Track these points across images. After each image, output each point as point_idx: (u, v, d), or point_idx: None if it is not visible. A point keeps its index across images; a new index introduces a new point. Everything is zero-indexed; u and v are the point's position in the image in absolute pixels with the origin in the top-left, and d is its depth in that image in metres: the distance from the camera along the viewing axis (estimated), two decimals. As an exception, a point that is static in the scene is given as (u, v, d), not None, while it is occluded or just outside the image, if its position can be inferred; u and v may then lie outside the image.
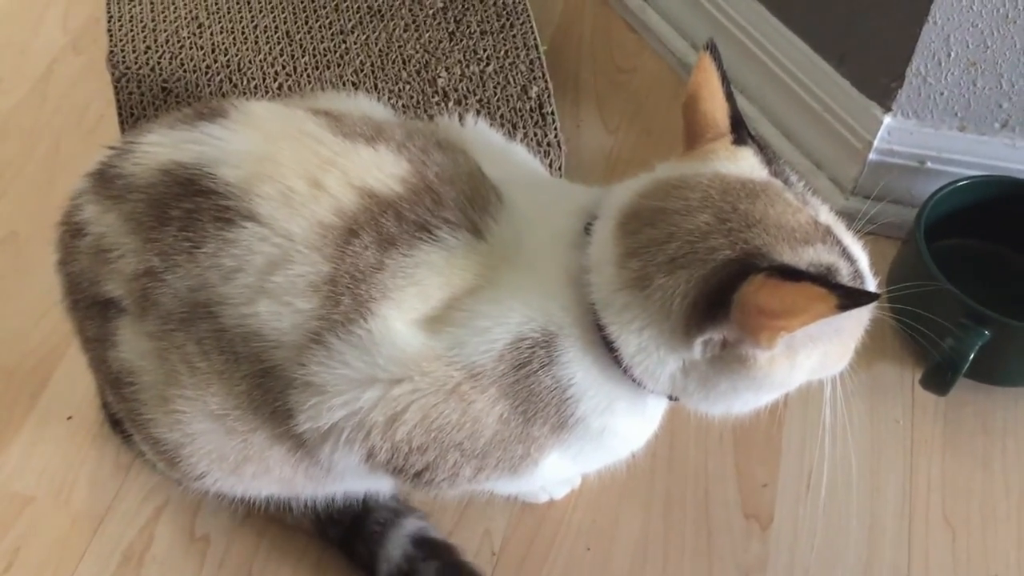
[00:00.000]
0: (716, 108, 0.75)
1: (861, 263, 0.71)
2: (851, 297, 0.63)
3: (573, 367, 0.73)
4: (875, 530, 0.99)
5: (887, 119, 1.15)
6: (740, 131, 0.75)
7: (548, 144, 1.17)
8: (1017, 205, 1.13)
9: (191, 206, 0.75)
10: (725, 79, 0.75)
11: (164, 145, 0.79)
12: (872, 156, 1.17)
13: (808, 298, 0.63)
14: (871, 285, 0.71)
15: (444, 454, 0.74)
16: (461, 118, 0.95)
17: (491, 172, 0.81)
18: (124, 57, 1.14)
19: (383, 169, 0.76)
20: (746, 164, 0.73)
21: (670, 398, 0.77)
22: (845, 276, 0.68)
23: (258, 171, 0.74)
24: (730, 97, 0.75)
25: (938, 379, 1.04)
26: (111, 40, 1.20)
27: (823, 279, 0.66)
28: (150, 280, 0.76)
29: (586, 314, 0.72)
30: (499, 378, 0.72)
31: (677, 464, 1.03)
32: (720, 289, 0.66)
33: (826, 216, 0.72)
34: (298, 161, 0.75)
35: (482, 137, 0.93)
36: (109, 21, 1.21)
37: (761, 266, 0.65)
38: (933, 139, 1.15)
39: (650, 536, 0.98)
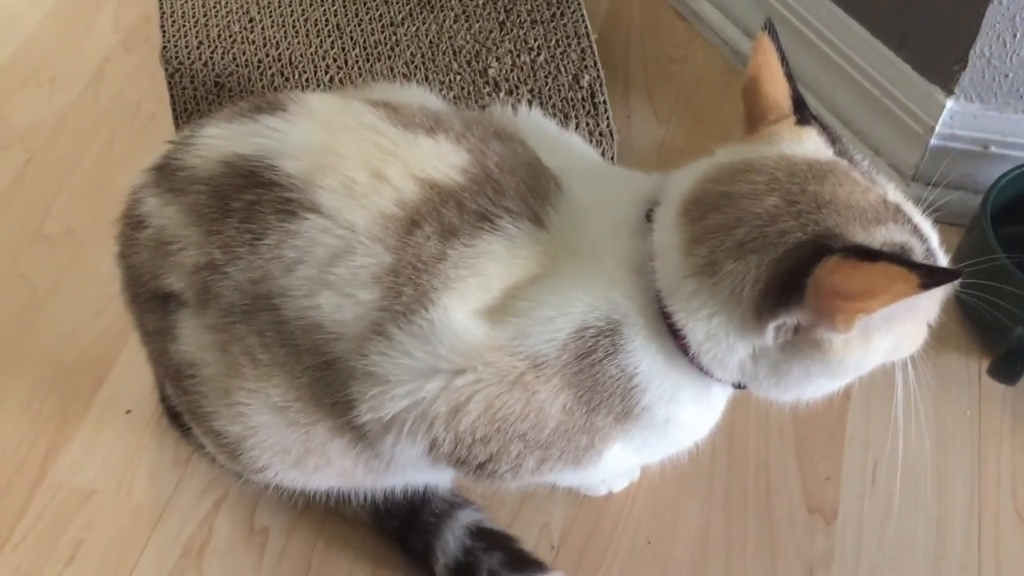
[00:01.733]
0: (778, 89, 0.73)
1: (932, 241, 0.70)
2: (933, 276, 0.62)
3: (638, 356, 0.71)
4: (943, 523, 0.97)
5: (949, 103, 1.12)
6: (803, 111, 0.73)
7: (600, 134, 1.16)
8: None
9: (253, 198, 0.75)
10: (784, 60, 0.74)
11: (224, 138, 0.79)
12: (934, 141, 1.14)
13: (888, 278, 0.61)
14: (944, 263, 0.69)
15: (507, 445, 0.73)
16: (514, 108, 0.94)
17: (548, 161, 0.80)
18: (177, 52, 1.14)
19: (444, 159, 0.75)
20: (811, 144, 0.72)
21: (736, 386, 0.75)
22: (918, 254, 0.67)
23: (320, 163, 0.74)
24: (790, 77, 0.74)
25: (1007, 368, 1.01)
26: (164, 36, 1.20)
27: (901, 258, 0.64)
28: (211, 272, 0.76)
29: (651, 302, 0.71)
30: (562, 368, 0.71)
31: (737, 457, 1.01)
32: (793, 272, 0.64)
33: (894, 194, 0.71)
34: (359, 152, 0.75)
35: (536, 126, 0.92)
36: (162, 17, 1.22)
37: (835, 247, 0.63)
38: (997, 123, 1.12)
39: (711, 529, 0.97)
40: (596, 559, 0.95)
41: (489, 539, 0.91)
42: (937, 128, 1.13)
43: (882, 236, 0.66)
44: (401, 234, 0.72)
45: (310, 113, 0.79)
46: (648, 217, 0.73)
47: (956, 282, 0.69)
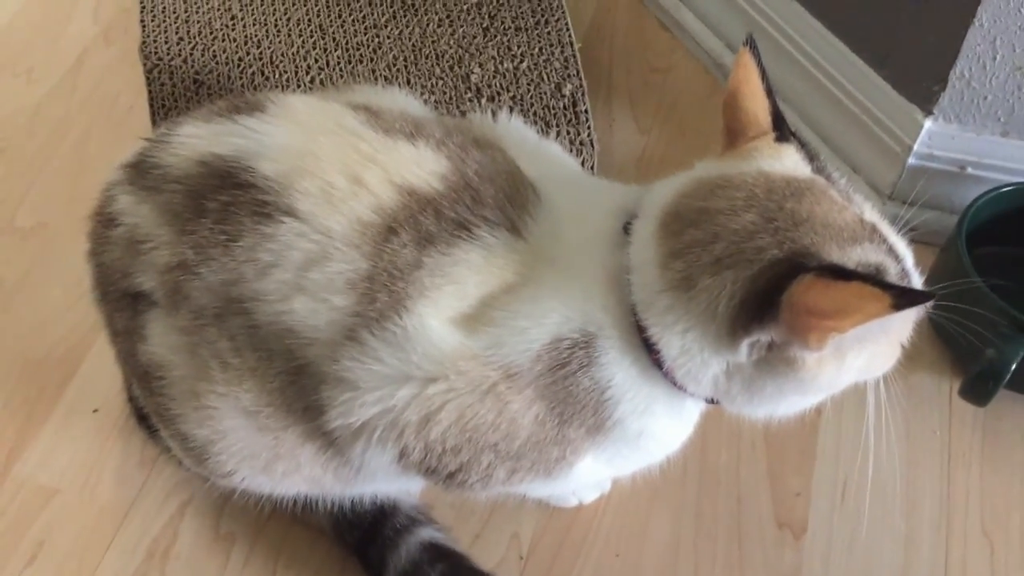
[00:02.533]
0: (757, 105, 0.73)
1: (907, 261, 0.70)
2: (906, 297, 0.62)
3: (612, 368, 0.71)
4: (911, 543, 0.97)
5: (928, 123, 1.12)
6: (782, 128, 0.73)
7: (581, 143, 1.16)
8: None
9: (228, 199, 0.74)
10: (765, 75, 0.74)
11: (202, 137, 0.78)
12: (911, 161, 1.15)
13: (861, 298, 0.62)
14: (918, 284, 0.70)
15: (478, 455, 0.73)
16: (494, 115, 0.93)
17: (527, 170, 0.80)
18: (156, 48, 1.13)
19: (423, 166, 0.75)
20: (790, 161, 0.72)
21: (709, 401, 0.75)
22: (893, 275, 0.67)
23: (298, 166, 0.73)
24: (770, 93, 0.74)
25: (978, 389, 1.01)
26: (144, 30, 1.19)
27: (875, 278, 0.64)
28: (183, 273, 0.75)
29: (626, 315, 0.70)
30: (536, 379, 0.71)
31: (709, 471, 1.01)
32: (768, 290, 0.64)
33: (871, 214, 0.71)
34: (338, 157, 0.74)
35: (517, 134, 0.92)
36: (142, 11, 1.20)
37: (810, 266, 0.63)
38: (975, 144, 1.13)
39: (680, 543, 0.97)
40: (564, 571, 0.95)
41: (439, 554, 0.90)
42: (915, 148, 1.14)
43: (857, 256, 0.66)
44: (378, 241, 0.71)
45: (289, 115, 0.78)
46: (626, 229, 0.73)
47: (930, 303, 0.70)
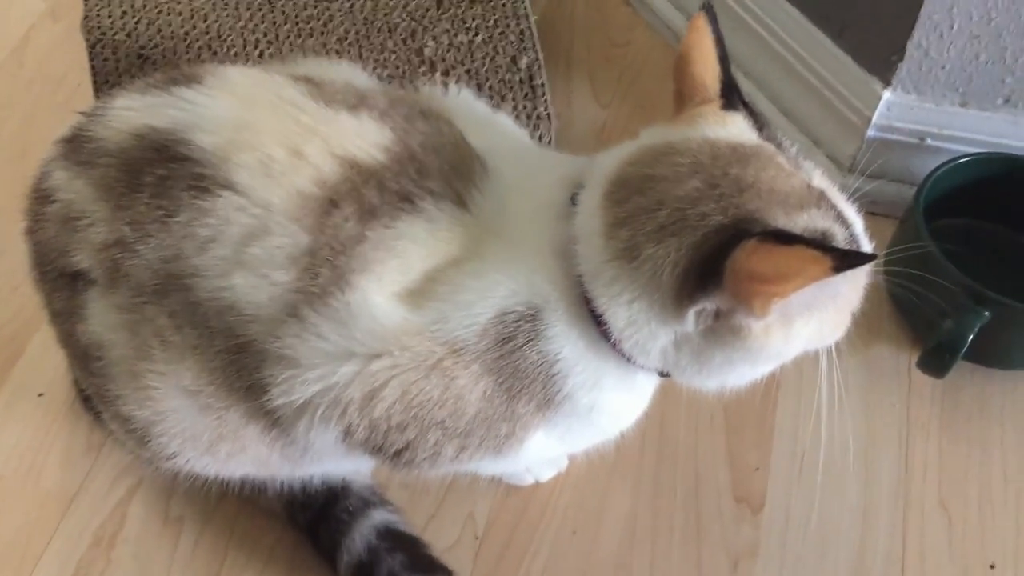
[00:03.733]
0: (707, 71, 0.72)
1: (856, 227, 0.69)
2: (845, 259, 0.61)
3: (560, 342, 0.70)
4: (869, 515, 0.97)
5: (887, 94, 1.11)
6: (731, 96, 0.72)
7: (538, 116, 1.14)
8: (1019, 183, 1.10)
9: (164, 173, 0.72)
10: (720, 42, 0.72)
11: (137, 109, 0.76)
12: (871, 132, 1.14)
13: (802, 261, 0.61)
14: (867, 249, 0.69)
15: (425, 432, 0.71)
16: (445, 87, 0.92)
17: (475, 142, 0.78)
18: (100, 22, 1.10)
19: (366, 138, 0.73)
20: (735, 128, 0.70)
21: (661, 374, 0.74)
22: (840, 240, 0.66)
23: (235, 138, 0.71)
24: (724, 60, 0.72)
25: (936, 361, 1.01)
26: (87, 4, 1.16)
27: (816, 241, 0.64)
28: (121, 250, 0.73)
29: (573, 287, 0.69)
30: (482, 353, 0.69)
31: (667, 446, 1.00)
32: (712, 257, 0.63)
33: (819, 180, 0.70)
34: (277, 129, 0.72)
35: (466, 106, 0.90)
36: (86, -14, 1.17)
37: (754, 231, 0.62)
38: (934, 115, 1.12)
39: (638, 520, 0.96)
40: (521, 549, 0.93)
41: (396, 540, 0.88)
42: (874, 119, 1.13)
43: (804, 222, 0.65)
44: (319, 214, 0.70)
45: (227, 86, 0.76)
46: (573, 200, 0.71)
47: (881, 269, 0.69)
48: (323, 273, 0.69)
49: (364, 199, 0.70)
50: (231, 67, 0.80)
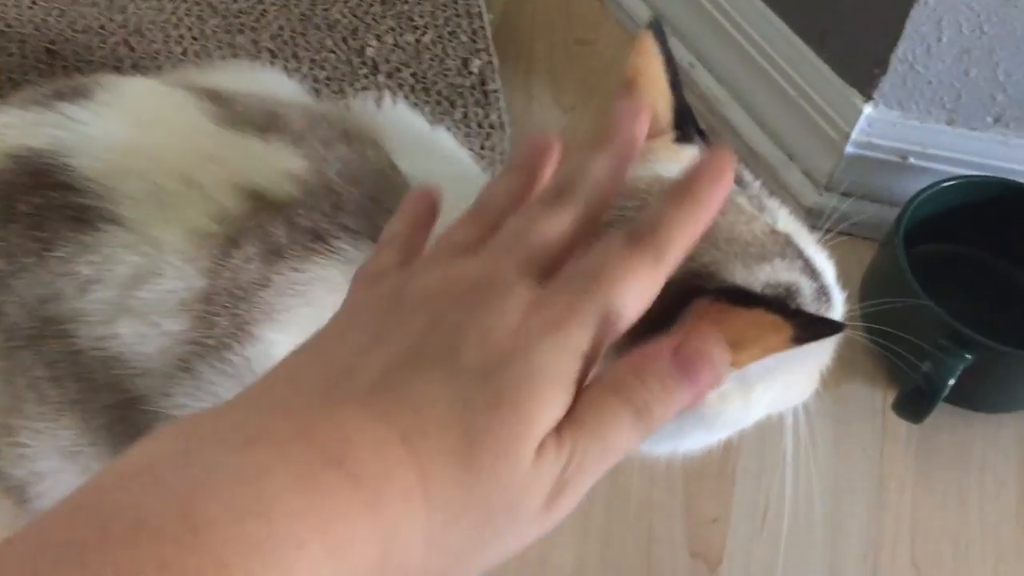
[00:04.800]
0: (657, 100, 0.63)
1: (826, 276, 0.60)
2: (809, 329, 0.52)
3: None
4: (836, 573, 0.89)
5: (867, 109, 1.03)
6: (686, 126, 0.63)
7: (491, 125, 1.05)
8: (1006, 209, 1.02)
9: (41, 201, 0.63)
10: (671, 64, 0.63)
11: (15, 127, 0.67)
12: (849, 149, 1.06)
13: (760, 328, 0.51)
14: (838, 303, 0.60)
15: None
16: (378, 101, 0.83)
17: (407, 167, 0.69)
18: (4, 12, 1.00)
19: (274, 166, 0.64)
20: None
21: None
22: (807, 295, 0.57)
23: (123, 165, 0.63)
24: (675, 86, 0.63)
25: (913, 406, 0.93)
26: (-5, -8, 1.06)
27: (780, 304, 0.55)
28: None
29: None
30: None
31: (619, 494, 0.92)
32: (660, 316, 0.55)
33: (785, 222, 0.61)
34: (173, 155, 0.64)
35: (401, 123, 0.81)
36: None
37: (708, 288, 0.54)
38: (918, 133, 1.04)
39: (585, 575, 0.88)
40: (454, 610, 0.85)
41: None
42: (853, 135, 1.05)
43: (766, 275, 0.56)
44: (216, 255, 0.62)
45: (120, 102, 0.67)
46: None
47: (858, 309, 0.62)
48: (220, 322, 0.61)
49: (270, 237, 0.62)
50: (127, 79, 0.72)
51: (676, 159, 0.62)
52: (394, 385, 0.39)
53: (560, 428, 0.39)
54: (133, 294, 0.62)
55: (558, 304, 0.40)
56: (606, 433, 0.40)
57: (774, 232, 0.60)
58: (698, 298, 0.53)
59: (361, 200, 0.65)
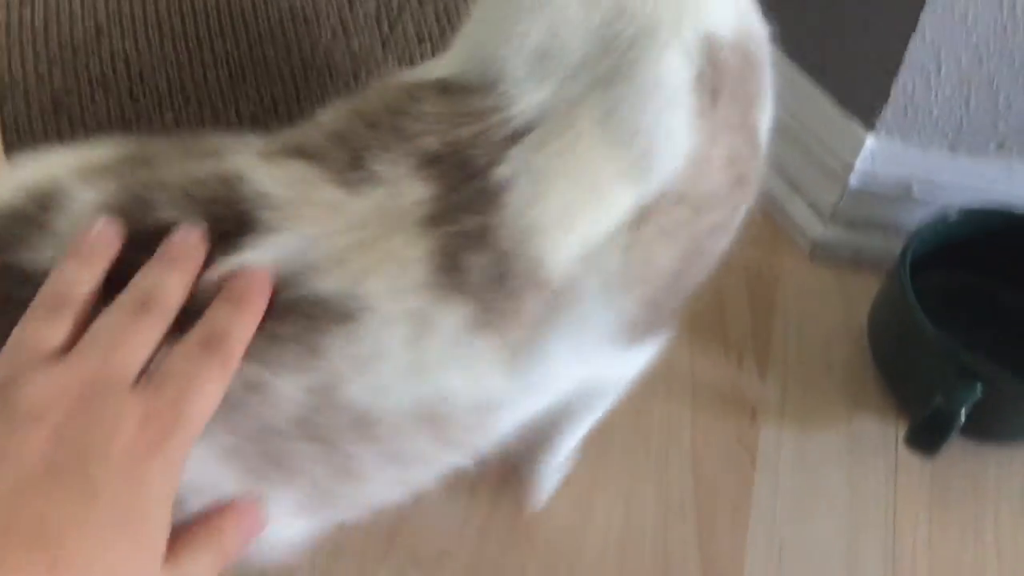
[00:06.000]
0: None
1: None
2: None
3: None
4: (853, 610, 0.88)
5: (870, 139, 1.03)
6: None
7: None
8: (1012, 237, 1.02)
9: None
10: None
11: None
12: (853, 180, 1.06)
13: None
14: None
15: None
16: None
17: None
18: (11, 65, 1.00)
19: None
20: None
21: None
22: None
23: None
24: None
25: (925, 439, 0.92)
26: None
27: None
28: None
29: None
30: None
31: (632, 531, 0.91)
32: None
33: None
34: None
35: None
36: None
37: None
38: (921, 162, 1.04)
39: (600, 619, 0.87)
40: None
41: None
42: (856, 166, 1.05)
43: None
44: None
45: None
46: None
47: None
48: None
49: None
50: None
51: None
52: (29, 513, 0.40)
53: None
54: None
55: (163, 416, 0.44)
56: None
57: None
58: None
59: None
